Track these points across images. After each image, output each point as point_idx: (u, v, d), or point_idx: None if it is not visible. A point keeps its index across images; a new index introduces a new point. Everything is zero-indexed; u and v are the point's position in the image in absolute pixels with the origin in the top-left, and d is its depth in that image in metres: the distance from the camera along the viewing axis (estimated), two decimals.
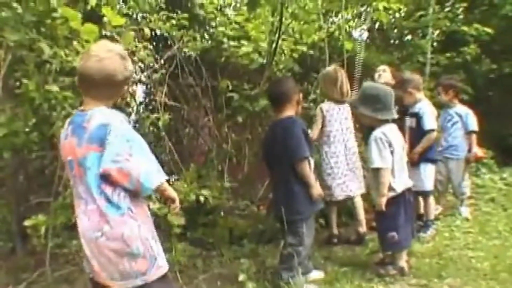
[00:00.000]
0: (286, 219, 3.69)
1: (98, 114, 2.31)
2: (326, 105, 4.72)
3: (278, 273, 3.78)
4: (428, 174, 5.01)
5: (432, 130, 4.91)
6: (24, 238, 4.19)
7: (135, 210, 2.38)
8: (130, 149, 2.27)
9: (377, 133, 3.82)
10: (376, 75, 5.53)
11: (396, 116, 3.91)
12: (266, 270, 4.08)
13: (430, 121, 4.91)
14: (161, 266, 2.47)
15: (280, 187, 3.84)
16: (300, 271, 3.73)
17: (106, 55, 2.35)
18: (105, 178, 2.28)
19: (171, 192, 2.57)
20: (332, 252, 4.60)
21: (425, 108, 4.95)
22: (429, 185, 5.01)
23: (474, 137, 5.47)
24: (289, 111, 3.85)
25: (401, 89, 4.89)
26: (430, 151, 4.99)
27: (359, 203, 4.88)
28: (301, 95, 4.02)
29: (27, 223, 3.41)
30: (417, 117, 4.94)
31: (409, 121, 5.02)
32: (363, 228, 4.89)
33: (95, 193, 2.30)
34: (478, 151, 5.62)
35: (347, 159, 4.74)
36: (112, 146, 2.24)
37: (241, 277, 3.80)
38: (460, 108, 5.59)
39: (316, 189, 3.78)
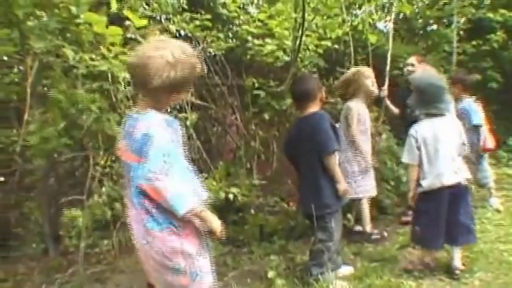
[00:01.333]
0: (315, 214, 3.69)
1: (143, 121, 2.19)
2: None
3: (307, 269, 3.76)
4: None
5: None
6: (56, 239, 4.28)
7: (179, 224, 2.24)
8: (165, 166, 2.10)
9: (412, 128, 3.81)
10: (405, 70, 5.49)
11: (446, 111, 3.81)
12: (296, 266, 4.07)
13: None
14: (204, 282, 2.38)
15: (308, 181, 3.84)
16: (330, 266, 3.72)
17: (152, 53, 2.18)
18: (144, 191, 2.17)
19: (207, 216, 2.31)
20: (362, 248, 4.54)
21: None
22: None
23: (482, 129, 5.39)
24: (313, 108, 3.85)
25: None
26: None
27: (365, 204, 4.83)
28: (324, 91, 4.01)
29: (64, 217, 3.49)
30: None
31: None
32: (367, 227, 4.85)
33: (136, 204, 2.23)
34: (488, 142, 5.51)
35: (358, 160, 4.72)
36: (148, 161, 2.10)
37: (270, 274, 3.82)
38: (466, 103, 5.52)
39: (343, 184, 3.78)
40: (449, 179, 3.66)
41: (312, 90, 3.87)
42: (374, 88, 4.80)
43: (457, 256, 3.75)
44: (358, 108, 4.70)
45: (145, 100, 2.28)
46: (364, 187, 4.73)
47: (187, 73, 2.23)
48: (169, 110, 2.43)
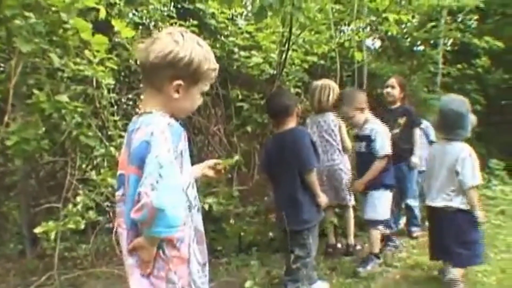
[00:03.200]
0: (292, 229, 3.72)
1: (145, 126, 1.92)
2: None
3: (284, 284, 3.79)
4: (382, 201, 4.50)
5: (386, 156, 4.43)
6: (34, 241, 4.26)
7: (169, 252, 2.00)
8: (157, 180, 1.81)
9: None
10: (385, 92, 5.55)
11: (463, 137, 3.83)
12: (272, 279, 4.10)
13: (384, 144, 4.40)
14: None
15: (287, 197, 3.83)
16: (306, 282, 3.75)
17: (160, 35, 2.01)
18: None
19: (152, 250, 1.98)
20: (338, 263, 4.56)
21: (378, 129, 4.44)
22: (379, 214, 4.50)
23: None
24: (291, 124, 3.84)
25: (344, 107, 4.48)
26: (386, 176, 4.50)
27: (349, 214, 4.91)
28: (300, 106, 4.02)
29: (37, 230, 3.43)
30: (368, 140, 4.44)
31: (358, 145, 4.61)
32: (351, 240, 4.91)
33: (128, 222, 1.98)
34: None
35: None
36: (144, 173, 1.83)
37: (248, 284, 3.85)
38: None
39: (323, 197, 3.82)
40: (433, 201, 3.79)
41: (289, 106, 3.85)
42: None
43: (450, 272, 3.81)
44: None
45: (147, 88, 2.07)
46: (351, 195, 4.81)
47: (195, 60, 1.98)
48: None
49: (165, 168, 1.82)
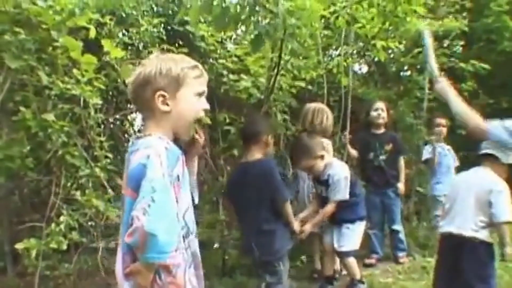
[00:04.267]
0: (263, 260, 3.75)
1: (143, 147, 1.91)
2: None
3: None
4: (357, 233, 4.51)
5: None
6: (16, 258, 4.21)
7: (165, 278, 1.95)
8: (149, 204, 1.77)
9: None
10: (375, 114, 5.59)
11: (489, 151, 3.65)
12: None
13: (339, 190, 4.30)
14: None
15: (256, 227, 3.80)
16: None
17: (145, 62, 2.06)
18: None
19: (149, 276, 1.92)
20: None
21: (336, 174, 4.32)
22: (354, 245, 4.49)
23: None
24: (257, 153, 3.86)
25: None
26: (359, 209, 4.50)
27: None
28: (269, 136, 3.98)
29: (18, 246, 3.39)
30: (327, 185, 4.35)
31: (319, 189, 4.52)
32: (337, 266, 4.89)
33: (123, 245, 1.94)
34: None
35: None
36: (138, 197, 1.81)
37: None
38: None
39: (297, 225, 3.91)
40: (459, 229, 3.63)
41: (256, 133, 3.87)
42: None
43: None
44: None
45: (144, 117, 2.13)
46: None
47: (163, 66, 1.99)
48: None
49: (158, 192, 1.79)
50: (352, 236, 4.39)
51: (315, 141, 4.36)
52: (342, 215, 4.34)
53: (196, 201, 2.24)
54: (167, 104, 1.99)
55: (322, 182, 4.35)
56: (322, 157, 4.28)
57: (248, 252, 3.95)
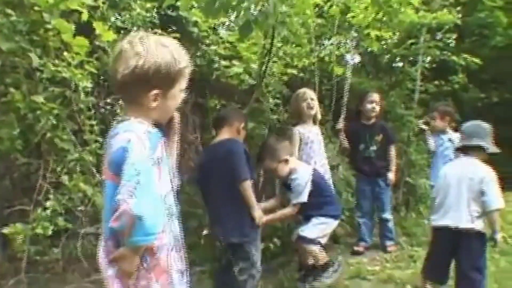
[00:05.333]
0: (233, 243, 3.72)
1: (123, 132, 1.90)
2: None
3: None
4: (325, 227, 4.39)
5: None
6: (5, 243, 4.18)
7: (150, 261, 1.96)
8: (135, 187, 1.78)
9: None
10: (370, 106, 5.60)
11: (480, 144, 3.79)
12: None
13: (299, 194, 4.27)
14: None
15: (223, 210, 3.78)
16: None
17: (123, 47, 1.97)
18: None
19: (134, 260, 1.93)
20: None
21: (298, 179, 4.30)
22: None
23: None
24: (227, 135, 3.89)
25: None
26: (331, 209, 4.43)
27: None
28: (242, 125, 4.00)
29: (5, 231, 3.38)
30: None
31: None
32: None
33: (106, 231, 1.94)
34: None
35: None
36: (122, 180, 1.80)
37: None
38: (452, 135, 5.72)
39: (258, 211, 3.79)
40: (455, 222, 3.69)
41: (228, 116, 3.94)
42: (310, 111, 4.82)
43: None
44: (301, 133, 4.76)
45: (126, 103, 2.11)
46: None
47: (163, 64, 1.94)
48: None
49: (142, 175, 1.80)
50: (317, 225, 4.27)
51: (282, 144, 4.38)
52: (314, 212, 4.30)
53: (175, 186, 2.22)
54: (156, 100, 1.99)
55: (288, 187, 4.36)
56: (286, 161, 4.28)
57: (216, 236, 3.94)
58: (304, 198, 4.20)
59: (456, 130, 5.80)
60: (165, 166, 2.05)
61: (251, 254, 3.74)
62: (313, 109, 4.84)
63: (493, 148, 3.77)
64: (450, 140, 5.77)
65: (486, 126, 3.85)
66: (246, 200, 3.73)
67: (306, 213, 4.30)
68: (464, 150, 3.89)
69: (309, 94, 4.86)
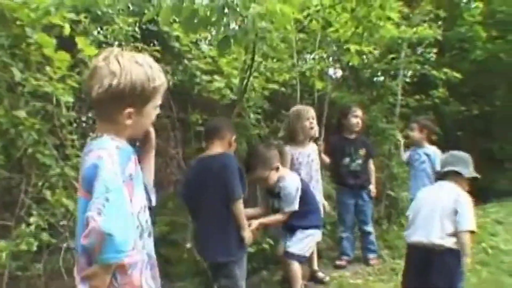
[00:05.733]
0: (218, 261, 3.67)
1: (95, 149, 1.89)
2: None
3: None
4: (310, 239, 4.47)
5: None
6: None
7: (121, 280, 1.93)
8: (103, 204, 1.77)
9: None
10: (355, 121, 5.64)
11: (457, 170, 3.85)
12: None
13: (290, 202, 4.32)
14: None
15: (211, 226, 3.70)
16: None
17: (98, 63, 1.93)
18: None
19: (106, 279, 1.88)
20: None
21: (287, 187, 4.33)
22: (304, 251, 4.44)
23: None
24: (219, 148, 3.78)
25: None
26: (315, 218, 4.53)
27: None
28: (234, 137, 3.95)
29: None
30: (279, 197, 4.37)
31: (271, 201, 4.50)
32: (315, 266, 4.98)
33: (79, 247, 1.88)
34: None
35: None
36: (93, 197, 1.79)
37: None
38: (428, 149, 5.82)
39: (247, 231, 3.72)
40: (427, 238, 3.72)
41: (221, 128, 3.83)
42: (311, 131, 4.85)
43: None
44: (292, 153, 4.81)
45: (99, 120, 2.06)
46: None
47: (138, 83, 1.92)
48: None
49: (112, 192, 1.79)
50: (302, 240, 4.31)
51: (272, 152, 4.36)
52: (297, 222, 4.32)
53: (154, 201, 2.22)
54: (130, 118, 1.98)
55: (274, 194, 4.34)
56: (277, 168, 4.29)
57: (202, 253, 3.89)
58: (296, 206, 4.23)
59: (433, 143, 5.90)
60: (138, 182, 2.04)
61: (234, 273, 3.66)
62: (314, 129, 4.88)
63: (471, 173, 3.85)
64: (426, 154, 5.86)
65: (465, 155, 3.91)
66: (237, 220, 3.65)
67: (290, 222, 4.31)
68: (442, 176, 3.97)
69: (312, 113, 4.88)
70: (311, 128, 4.84)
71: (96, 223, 1.72)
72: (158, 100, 2.06)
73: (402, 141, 6.42)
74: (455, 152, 3.97)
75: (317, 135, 5.00)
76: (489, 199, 8.71)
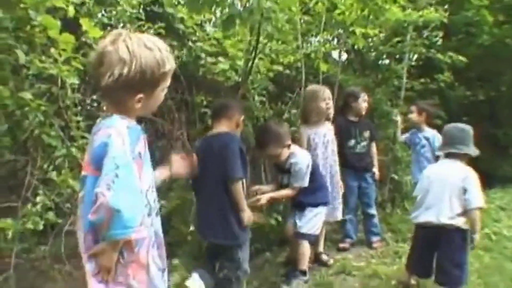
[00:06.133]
0: (220, 244, 3.64)
1: (105, 127, 1.94)
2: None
3: None
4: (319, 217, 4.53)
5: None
6: None
7: (128, 257, 1.98)
8: (113, 180, 1.80)
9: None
10: (364, 105, 5.62)
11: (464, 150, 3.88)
12: None
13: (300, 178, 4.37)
14: None
15: (213, 208, 3.62)
16: None
17: (106, 48, 1.95)
18: None
19: (114, 255, 1.95)
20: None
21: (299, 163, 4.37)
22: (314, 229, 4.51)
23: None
24: (225, 127, 3.72)
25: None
26: (324, 195, 4.62)
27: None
28: (242, 118, 3.91)
29: None
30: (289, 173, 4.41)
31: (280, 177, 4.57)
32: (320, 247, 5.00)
33: (86, 224, 1.94)
34: None
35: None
36: (102, 174, 1.84)
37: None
38: (428, 132, 5.89)
39: (247, 212, 3.65)
40: (437, 218, 3.77)
41: (230, 107, 3.78)
42: (328, 111, 4.86)
43: None
44: (308, 133, 4.77)
45: (108, 103, 2.09)
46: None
47: (148, 70, 1.94)
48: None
49: (121, 168, 1.83)
50: (312, 219, 4.38)
51: (284, 129, 4.38)
52: (305, 199, 4.38)
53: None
54: (140, 101, 2.02)
55: (284, 170, 4.38)
56: (289, 146, 4.30)
57: (203, 234, 3.84)
58: (306, 182, 4.29)
59: (436, 128, 5.89)
60: (147, 161, 2.08)
61: (238, 257, 3.63)
62: (330, 109, 4.88)
63: (474, 151, 3.87)
64: (426, 138, 5.89)
65: (467, 129, 3.91)
66: (236, 201, 3.57)
67: (299, 198, 4.38)
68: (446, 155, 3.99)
69: (328, 93, 4.88)
70: (327, 108, 4.84)
71: (105, 198, 1.76)
72: (166, 83, 2.10)
73: (398, 120, 6.45)
74: (461, 128, 3.93)
75: (332, 114, 4.99)
76: (493, 185, 8.69)
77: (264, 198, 4.13)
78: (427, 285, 4.19)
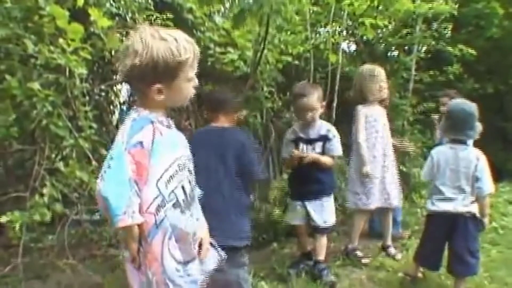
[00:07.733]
0: (230, 246, 3.04)
1: (128, 119, 2.06)
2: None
3: None
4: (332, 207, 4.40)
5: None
6: (0, 230, 4.18)
7: (145, 247, 2.02)
8: (105, 170, 1.91)
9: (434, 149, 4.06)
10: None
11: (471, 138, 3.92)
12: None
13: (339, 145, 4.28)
14: None
15: (223, 205, 3.25)
16: None
17: (127, 42, 2.04)
18: None
19: (134, 242, 2.02)
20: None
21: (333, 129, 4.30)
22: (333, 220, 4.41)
23: None
24: (225, 122, 3.55)
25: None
26: (333, 180, 4.54)
27: (357, 216, 4.90)
28: (241, 114, 3.91)
29: (2, 219, 3.36)
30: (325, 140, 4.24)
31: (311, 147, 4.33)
32: (355, 242, 4.93)
33: None
34: None
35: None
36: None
37: None
38: None
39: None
40: (443, 207, 3.77)
41: (227, 102, 3.63)
42: (382, 93, 4.78)
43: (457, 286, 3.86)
44: (365, 112, 4.69)
45: (136, 95, 2.20)
46: (359, 197, 4.71)
47: (160, 59, 1.95)
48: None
49: (114, 159, 1.93)
50: (332, 210, 4.28)
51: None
52: (321, 187, 4.25)
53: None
54: (161, 93, 2.04)
55: (313, 139, 4.21)
56: (322, 105, 4.23)
57: (217, 235, 3.23)
58: (340, 151, 4.24)
59: None
60: (158, 151, 2.02)
61: (245, 260, 3.42)
62: (384, 92, 4.81)
63: (479, 130, 3.93)
64: None
65: (473, 110, 3.82)
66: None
67: (308, 187, 4.20)
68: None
69: (383, 75, 4.83)
70: (382, 90, 4.77)
71: (98, 187, 1.90)
72: (188, 73, 2.09)
73: (436, 118, 6.37)
74: (467, 110, 3.82)
75: (387, 98, 4.94)
76: (501, 178, 8.64)
77: (309, 157, 4.07)
78: (433, 277, 4.20)
